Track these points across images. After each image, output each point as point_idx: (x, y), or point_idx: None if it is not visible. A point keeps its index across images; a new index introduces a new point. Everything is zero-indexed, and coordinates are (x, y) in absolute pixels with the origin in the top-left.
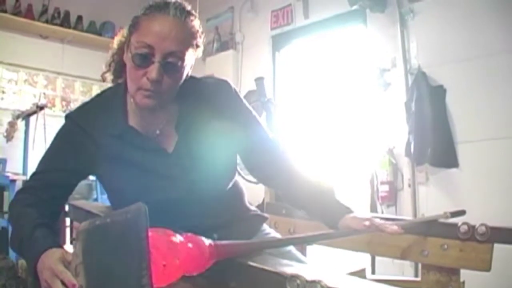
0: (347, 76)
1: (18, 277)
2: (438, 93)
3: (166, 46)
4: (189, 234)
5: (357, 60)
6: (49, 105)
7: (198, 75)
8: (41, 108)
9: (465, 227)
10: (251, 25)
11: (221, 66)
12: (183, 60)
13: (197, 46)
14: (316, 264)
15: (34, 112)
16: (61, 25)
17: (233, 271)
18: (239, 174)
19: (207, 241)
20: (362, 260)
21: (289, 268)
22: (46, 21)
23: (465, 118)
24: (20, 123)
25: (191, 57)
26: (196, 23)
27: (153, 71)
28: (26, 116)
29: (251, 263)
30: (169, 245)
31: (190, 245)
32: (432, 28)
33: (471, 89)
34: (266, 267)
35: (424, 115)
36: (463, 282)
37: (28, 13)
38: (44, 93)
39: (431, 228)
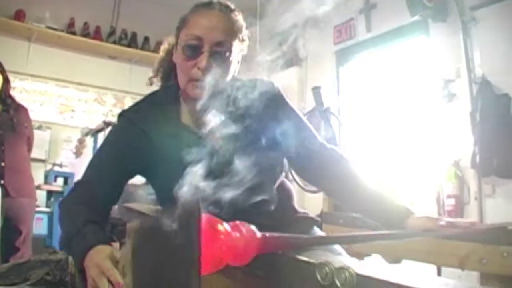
0: (411, 88)
1: (64, 269)
2: (504, 102)
3: (214, 36)
4: (237, 222)
5: (420, 71)
6: None
7: None
8: (108, 124)
9: None
10: (315, 41)
11: (286, 83)
12: (230, 50)
13: (243, 39)
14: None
15: (102, 129)
16: (129, 46)
17: (259, 259)
18: (298, 185)
19: (256, 232)
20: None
21: (320, 257)
22: (114, 42)
23: None
24: (89, 140)
25: (237, 49)
26: (240, 18)
27: (203, 60)
28: (95, 133)
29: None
30: (214, 234)
31: (237, 234)
32: (495, 35)
33: None
34: (295, 256)
35: (489, 125)
36: None
37: (97, 35)
38: (111, 111)
39: (490, 235)
